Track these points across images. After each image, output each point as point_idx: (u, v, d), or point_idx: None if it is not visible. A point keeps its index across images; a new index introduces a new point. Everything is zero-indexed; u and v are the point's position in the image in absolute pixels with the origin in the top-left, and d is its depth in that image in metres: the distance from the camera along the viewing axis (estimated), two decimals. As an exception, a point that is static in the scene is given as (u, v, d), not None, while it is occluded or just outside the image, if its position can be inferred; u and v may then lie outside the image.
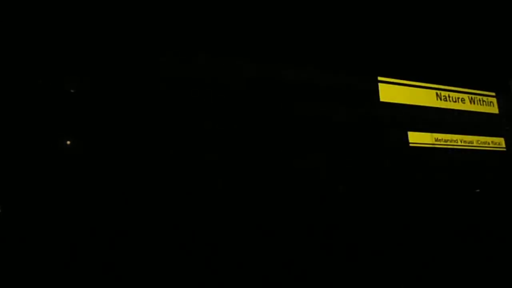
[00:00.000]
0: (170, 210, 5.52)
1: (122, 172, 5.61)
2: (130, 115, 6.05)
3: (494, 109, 10.33)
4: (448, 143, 9.27)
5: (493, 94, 10.40)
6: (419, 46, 9.57)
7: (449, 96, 9.75)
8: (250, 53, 7.67)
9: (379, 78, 9.01)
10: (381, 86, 9.16)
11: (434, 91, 9.62)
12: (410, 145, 8.89)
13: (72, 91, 5.60)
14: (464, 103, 9.94)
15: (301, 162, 7.71)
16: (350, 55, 9.06)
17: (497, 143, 9.98)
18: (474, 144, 9.62)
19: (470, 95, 10.08)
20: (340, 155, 7.98)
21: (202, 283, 4.01)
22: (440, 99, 9.69)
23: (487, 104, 10.30)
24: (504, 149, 10.03)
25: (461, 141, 9.43)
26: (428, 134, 9.17)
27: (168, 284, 4.08)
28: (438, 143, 9.15)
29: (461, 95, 9.93)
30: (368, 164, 8.20)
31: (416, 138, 8.99)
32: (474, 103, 10.10)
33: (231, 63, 7.73)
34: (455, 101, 9.83)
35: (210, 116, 6.78)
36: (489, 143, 9.87)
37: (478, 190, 8.73)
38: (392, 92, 9.16)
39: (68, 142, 5.50)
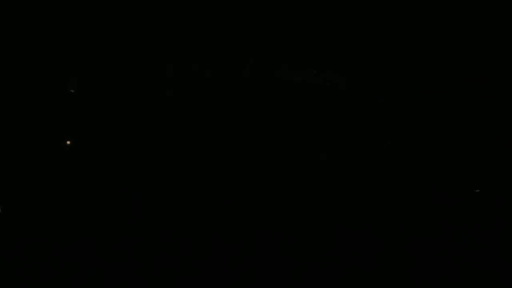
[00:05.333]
0: (171, 209, 5.54)
1: (123, 172, 5.62)
2: (131, 116, 6.05)
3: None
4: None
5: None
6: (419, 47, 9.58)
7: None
8: (251, 53, 7.68)
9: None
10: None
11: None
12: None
13: (72, 91, 5.60)
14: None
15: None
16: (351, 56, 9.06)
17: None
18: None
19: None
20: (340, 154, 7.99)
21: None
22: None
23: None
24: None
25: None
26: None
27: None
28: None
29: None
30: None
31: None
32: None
33: (231, 63, 7.73)
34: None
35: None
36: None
37: (478, 190, 8.72)
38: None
39: (68, 142, 5.50)
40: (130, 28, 6.28)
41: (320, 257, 4.71)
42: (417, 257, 4.61)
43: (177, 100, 6.52)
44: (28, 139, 5.21)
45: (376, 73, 8.90)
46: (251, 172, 6.97)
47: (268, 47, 8.15)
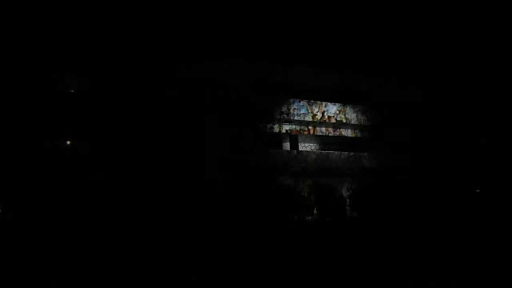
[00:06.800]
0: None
1: (123, 172, 5.62)
2: (131, 116, 6.06)
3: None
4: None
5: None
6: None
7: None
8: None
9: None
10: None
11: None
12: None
13: (72, 91, 5.61)
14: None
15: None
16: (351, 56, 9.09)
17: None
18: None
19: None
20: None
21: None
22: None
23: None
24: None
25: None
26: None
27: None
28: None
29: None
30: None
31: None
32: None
33: (231, 63, 7.74)
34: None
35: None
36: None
37: (478, 190, 8.73)
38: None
39: (68, 142, 5.51)
40: (130, 28, 6.29)
41: (320, 257, 4.74)
42: (417, 257, 4.65)
43: (177, 100, 6.53)
44: (28, 139, 5.21)
45: (375, 73, 8.94)
46: (251, 172, 6.96)
47: (267, 47, 8.16)
